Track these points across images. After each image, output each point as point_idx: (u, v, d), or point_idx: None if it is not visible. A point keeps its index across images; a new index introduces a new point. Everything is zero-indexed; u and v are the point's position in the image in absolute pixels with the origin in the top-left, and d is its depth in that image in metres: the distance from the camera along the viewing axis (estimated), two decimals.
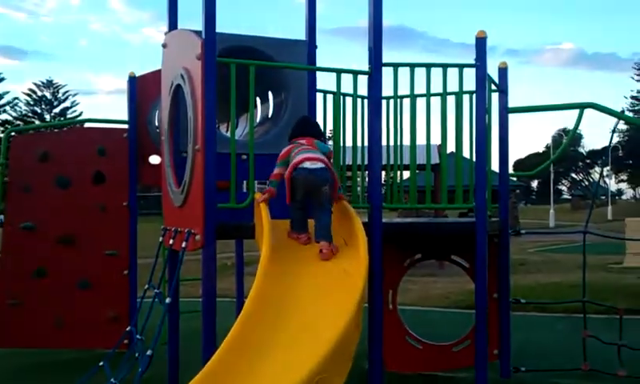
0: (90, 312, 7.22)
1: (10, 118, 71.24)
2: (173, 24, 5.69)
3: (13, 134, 7.85)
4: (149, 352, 4.45)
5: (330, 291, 3.92)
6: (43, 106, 74.41)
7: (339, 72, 5.19)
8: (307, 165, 4.45)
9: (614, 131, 7.65)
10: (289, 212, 4.61)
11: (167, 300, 4.79)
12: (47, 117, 73.38)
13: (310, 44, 5.95)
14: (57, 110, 74.43)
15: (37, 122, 70.27)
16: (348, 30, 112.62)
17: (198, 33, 4.69)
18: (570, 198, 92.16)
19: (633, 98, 79.49)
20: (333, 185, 4.51)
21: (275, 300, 3.79)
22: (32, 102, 74.16)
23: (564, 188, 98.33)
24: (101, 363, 5.37)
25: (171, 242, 5.08)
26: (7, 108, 71.41)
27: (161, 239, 5.51)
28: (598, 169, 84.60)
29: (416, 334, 6.52)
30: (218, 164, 4.50)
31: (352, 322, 3.49)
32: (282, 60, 5.60)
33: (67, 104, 75.20)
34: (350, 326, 3.47)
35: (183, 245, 4.64)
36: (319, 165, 4.47)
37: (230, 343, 3.41)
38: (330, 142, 5.70)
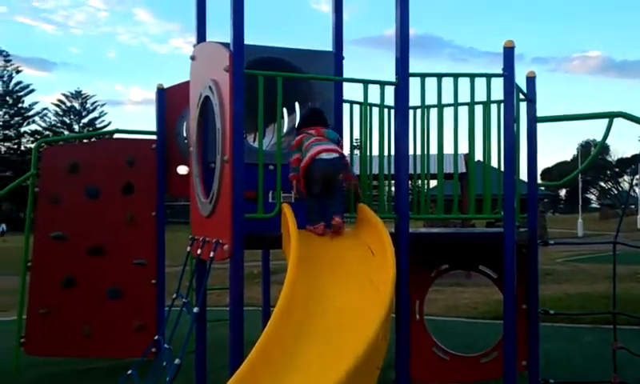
0: (119, 321, 7.29)
1: (39, 128, 72.28)
2: (201, 36, 5.74)
3: (43, 144, 7.94)
4: (177, 361, 4.48)
5: (358, 302, 3.92)
6: (72, 117, 75.31)
7: (366, 83, 5.20)
8: (324, 156, 4.70)
9: None
10: (304, 203, 4.83)
11: (195, 309, 4.81)
12: (76, 127, 74.25)
13: (337, 55, 5.97)
14: (85, 121, 75.33)
15: (66, 132, 71.29)
16: (374, 39, 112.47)
17: (226, 45, 4.73)
18: (598, 207, 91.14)
19: None
20: (345, 169, 4.84)
21: (302, 311, 3.80)
22: (61, 113, 75.11)
23: (592, 197, 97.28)
24: (129, 372, 5.41)
25: (199, 251, 5.11)
26: (37, 118, 72.46)
27: (188, 249, 5.55)
28: (627, 177, 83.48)
29: (443, 345, 6.48)
30: (245, 174, 4.53)
31: (379, 334, 3.49)
32: (309, 71, 5.63)
33: (95, 114, 76.15)
34: (377, 338, 3.46)
35: (211, 254, 4.67)
36: (334, 155, 4.75)
37: (256, 354, 3.42)
38: (357, 152, 5.72)
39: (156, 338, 5.72)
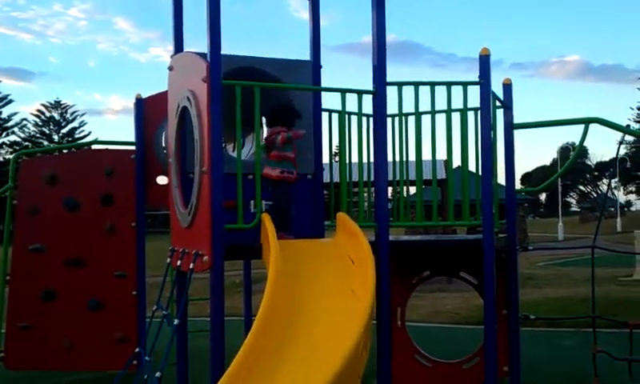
0: (100, 333, 7.22)
1: (18, 139, 71.65)
2: (179, 46, 5.73)
3: (23, 156, 7.87)
4: (157, 374, 4.46)
5: (338, 312, 3.93)
6: (51, 127, 74.74)
7: (344, 92, 5.21)
8: None
9: (620, 144, 7.64)
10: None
11: (175, 322, 4.79)
12: (55, 137, 73.68)
13: (315, 63, 5.97)
14: (65, 131, 74.72)
15: (45, 143, 70.73)
16: (354, 46, 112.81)
17: (203, 55, 4.73)
18: (578, 210, 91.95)
19: (639, 109, 79.36)
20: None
21: (282, 321, 3.79)
22: (40, 123, 74.54)
23: (572, 200, 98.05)
24: None
25: (179, 262, 5.09)
26: (16, 129, 71.80)
27: (168, 260, 5.52)
28: (605, 181, 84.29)
29: (426, 351, 6.50)
30: (224, 184, 4.52)
31: (359, 344, 3.49)
32: (287, 80, 5.63)
33: (75, 124, 75.54)
34: (358, 348, 3.46)
35: (191, 266, 4.65)
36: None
37: (237, 365, 3.41)
38: (337, 159, 5.74)
39: (137, 350, 5.67)
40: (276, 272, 3.95)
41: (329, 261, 4.54)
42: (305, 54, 6.02)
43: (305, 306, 3.98)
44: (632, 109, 79.94)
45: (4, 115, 70.53)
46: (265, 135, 5.37)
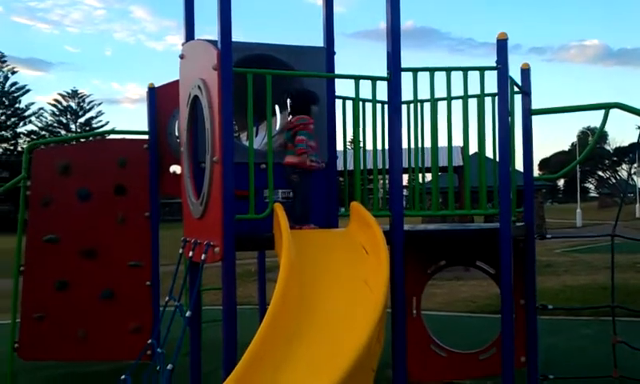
0: (114, 324, 7.21)
1: (35, 128, 72.11)
2: (190, 35, 5.66)
3: (42, 146, 7.85)
4: (169, 366, 4.41)
5: (351, 304, 3.86)
6: (69, 116, 75.09)
7: (358, 78, 5.12)
8: None
9: None
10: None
11: (187, 313, 4.73)
12: (73, 127, 74.07)
13: (329, 50, 5.87)
14: (82, 120, 75.07)
15: (63, 132, 71.12)
16: (370, 32, 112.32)
17: (214, 43, 4.65)
18: (597, 196, 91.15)
19: None
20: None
21: (295, 313, 3.73)
22: (57, 113, 74.90)
23: (591, 186, 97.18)
24: (123, 377, 5.34)
25: (191, 253, 5.03)
26: (33, 119, 72.22)
27: (181, 251, 5.48)
28: (625, 166, 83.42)
29: (442, 341, 6.42)
30: (236, 173, 4.45)
31: (373, 337, 3.41)
32: (300, 67, 5.54)
33: (92, 114, 75.85)
34: (371, 341, 3.38)
35: (202, 257, 4.59)
36: None
37: (250, 356, 3.34)
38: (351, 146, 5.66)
39: (150, 341, 5.64)
40: (288, 263, 3.88)
41: (342, 251, 4.47)
42: (319, 42, 5.93)
43: (317, 298, 3.91)
44: None
45: (22, 105, 71.02)
46: (288, 121, 5.29)
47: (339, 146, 5.84)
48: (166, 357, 4.85)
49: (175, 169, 7.32)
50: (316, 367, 3.42)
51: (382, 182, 5.76)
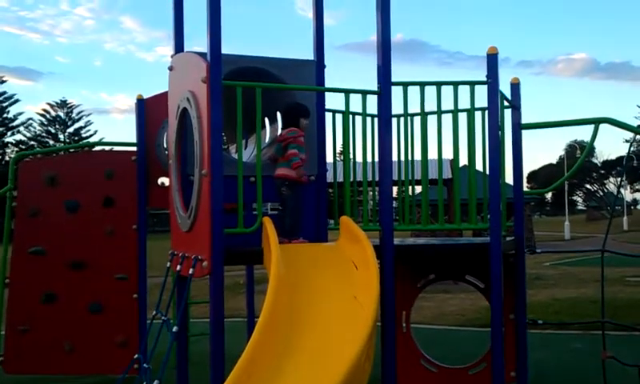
0: (101, 337, 7.13)
1: (24, 138, 71.76)
2: (179, 46, 5.63)
3: (30, 156, 7.77)
4: (156, 382, 4.35)
5: (341, 319, 3.81)
6: (57, 126, 74.82)
7: (348, 92, 5.10)
8: None
9: (631, 144, 7.49)
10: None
11: (174, 328, 4.68)
12: (61, 137, 73.78)
13: (319, 63, 5.86)
14: (71, 130, 74.83)
15: (51, 142, 70.82)
16: (361, 45, 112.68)
17: (203, 55, 4.62)
18: (584, 209, 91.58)
19: None
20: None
21: (284, 328, 3.68)
22: (46, 122, 74.61)
23: (579, 199, 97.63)
24: None
25: (179, 267, 4.98)
26: (21, 128, 71.88)
27: (168, 264, 5.42)
28: (612, 179, 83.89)
29: (431, 355, 6.39)
30: (225, 186, 4.42)
31: (362, 355, 3.37)
32: (290, 81, 5.52)
33: (81, 124, 75.67)
34: (360, 360, 3.34)
35: (190, 271, 4.54)
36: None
37: (238, 372, 3.30)
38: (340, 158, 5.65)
39: (136, 356, 5.57)
40: (277, 278, 3.84)
41: (332, 266, 4.43)
42: (311, 54, 5.91)
43: (306, 313, 3.87)
44: (639, 106, 79.66)
45: (10, 115, 70.68)
46: (279, 134, 5.28)
47: (329, 159, 5.82)
48: (153, 372, 4.79)
49: (163, 181, 7.27)
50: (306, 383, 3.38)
51: (371, 193, 5.73)
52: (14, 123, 71.10)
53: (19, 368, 7.21)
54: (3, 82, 70.86)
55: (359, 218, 5.61)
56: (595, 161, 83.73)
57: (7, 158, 67.61)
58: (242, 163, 4.72)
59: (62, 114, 75.31)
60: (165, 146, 7.08)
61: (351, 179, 5.52)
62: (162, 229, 34.22)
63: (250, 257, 4.92)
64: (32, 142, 70.74)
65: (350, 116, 5.35)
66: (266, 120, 5.94)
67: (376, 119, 5.23)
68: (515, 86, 5.91)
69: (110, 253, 7.20)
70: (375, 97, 5.08)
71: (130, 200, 7.20)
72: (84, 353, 7.14)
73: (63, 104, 75.23)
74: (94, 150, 8.83)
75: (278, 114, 5.87)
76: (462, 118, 5.34)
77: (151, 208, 7.53)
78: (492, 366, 5.12)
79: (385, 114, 5.01)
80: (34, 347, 7.11)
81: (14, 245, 7.25)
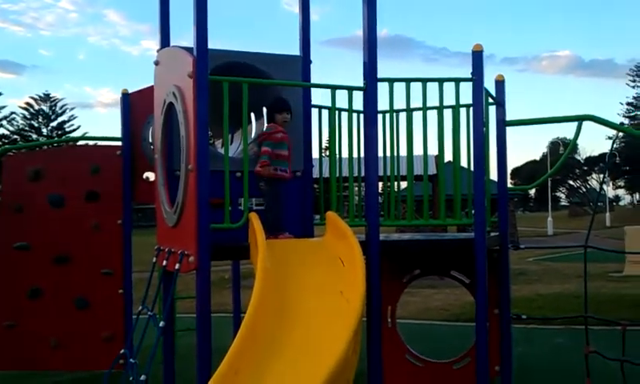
0: (87, 332, 7.10)
1: (6, 132, 71.13)
2: (165, 41, 5.61)
3: (13, 151, 7.73)
4: (142, 377, 4.36)
5: (327, 314, 3.84)
6: (40, 120, 74.21)
7: (334, 88, 5.12)
8: None
9: (613, 141, 7.57)
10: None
11: (161, 324, 4.68)
12: (45, 130, 73.21)
13: (305, 59, 5.86)
14: (54, 124, 74.24)
15: (34, 136, 70.27)
16: (346, 40, 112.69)
17: (189, 50, 4.62)
18: (567, 205, 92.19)
19: (628, 104, 79.81)
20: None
21: (271, 323, 3.70)
22: (29, 116, 73.99)
23: (562, 195, 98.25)
24: None
25: (165, 262, 4.98)
26: (4, 122, 71.25)
27: (155, 259, 5.42)
28: (595, 176, 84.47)
29: (416, 350, 6.44)
30: (212, 181, 4.42)
31: (349, 349, 3.40)
32: (276, 76, 5.52)
33: (65, 118, 75.05)
34: (347, 353, 3.37)
35: (177, 266, 4.55)
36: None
37: (225, 367, 3.31)
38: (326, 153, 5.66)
39: (122, 351, 5.57)
40: (264, 273, 3.86)
41: (318, 261, 4.45)
42: (297, 49, 5.92)
43: (293, 309, 3.89)
44: (622, 104, 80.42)
45: None
46: (264, 130, 5.27)
47: (315, 154, 5.84)
48: (139, 367, 4.80)
49: (148, 175, 7.25)
50: (293, 379, 3.40)
51: (357, 188, 5.76)
52: None
53: (5, 364, 7.18)
54: None
55: (345, 214, 5.63)
56: (578, 157, 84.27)
57: None
58: (229, 158, 4.72)
59: (45, 108, 74.69)
60: (150, 140, 7.07)
61: (337, 175, 5.53)
62: (146, 224, 34.07)
63: (237, 252, 4.92)
64: (15, 136, 70.12)
65: (336, 112, 5.38)
66: (252, 115, 5.95)
67: (362, 115, 5.26)
68: (500, 83, 5.95)
69: (95, 248, 7.17)
70: (361, 92, 5.10)
71: (115, 195, 7.18)
72: (70, 348, 7.11)
73: (46, 98, 74.62)
74: (78, 144, 8.78)
75: (264, 110, 5.88)
76: (447, 114, 5.37)
77: (136, 203, 7.52)
78: (476, 360, 5.16)
79: (371, 110, 5.03)
80: (20, 343, 7.07)
81: None
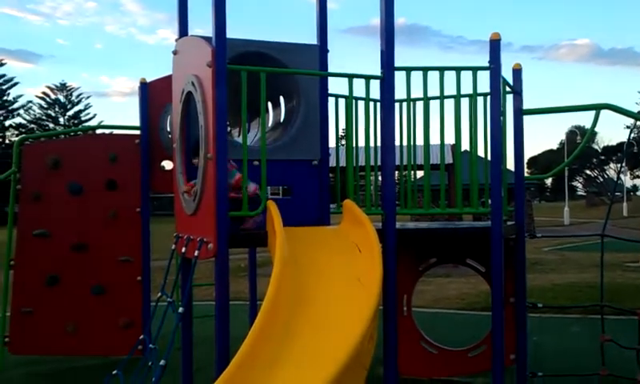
0: (104, 318, 7.22)
1: (23, 121, 71.62)
2: (183, 30, 5.65)
3: (30, 140, 7.83)
4: (162, 362, 4.41)
5: (345, 301, 3.86)
6: (57, 109, 74.64)
7: (351, 77, 5.13)
8: None
9: (631, 132, 7.53)
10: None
11: (180, 309, 4.74)
12: (61, 120, 73.64)
13: (322, 48, 5.87)
14: (70, 113, 74.64)
15: (51, 125, 70.72)
16: (363, 28, 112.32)
17: (208, 39, 4.65)
18: (584, 194, 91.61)
19: None
20: None
21: (288, 310, 3.73)
22: (46, 106, 74.43)
23: (579, 184, 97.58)
24: (114, 372, 5.34)
25: (183, 249, 5.04)
26: (21, 111, 71.70)
27: (173, 246, 5.47)
28: (612, 165, 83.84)
29: (431, 338, 6.46)
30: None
31: (366, 336, 3.43)
32: (293, 65, 5.54)
33: (81, 106, 75.47)
34: (364, 340, 3.40)
35: (195, 253, 4.60)
36: None
37: (243, 354, 3.35)
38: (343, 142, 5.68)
39: (141, 337, 5.63)
40: (282, 260, 3.89)
41: (336, 249, 4.48)
42: (314, 38, 5.93)
43: (311, 296, 3.92)
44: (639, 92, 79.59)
45: (10, 97, 70.46)
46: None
47: (331, 143, 5.86)
48: (159, 351, 4.86)
49: (165, 164, 7.32)
50: (309, 365, 3.43)
51: (373, 178, 5.78)
52: (14, 106, 70.89)
53: (24, 349, 7.32)
54: (3, 64, 70.53)
55: (361, 203, 5.66)
56: (595, 147, 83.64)
57: (7, 141, 67.49)
58: (247, 147, 4.76)
59: (61, 97, 75.10)
60: (168, 129, 7.13)
61: (354, 165, 5.55)
62: (162, 212, 34.27)
63: (254, 239, 4.96)
64: (32, 125, 70.58)
65: (353, 100, 5.40)
66: (269, 104, 5.98)
67: (379, 104, 5.27)
68: (517, 72, 5.94)
69: (113, 236, 7.28)
70: (378, 81, 5.11)
71: (134, 183, 7.26)
72: (87, 334, 7.23)
73: (63, 87, 74.99)
74: (96, 133, 8.87)
75: (281, 99, 5.91)
76: (464, 103, 5.38)
77: (152, 192, 7.59)
78: (492, 348, 5.18)
79: (388, 99, 5.04)
80: (38, 329, 7.20)
81: (18, 227, 7.32)
